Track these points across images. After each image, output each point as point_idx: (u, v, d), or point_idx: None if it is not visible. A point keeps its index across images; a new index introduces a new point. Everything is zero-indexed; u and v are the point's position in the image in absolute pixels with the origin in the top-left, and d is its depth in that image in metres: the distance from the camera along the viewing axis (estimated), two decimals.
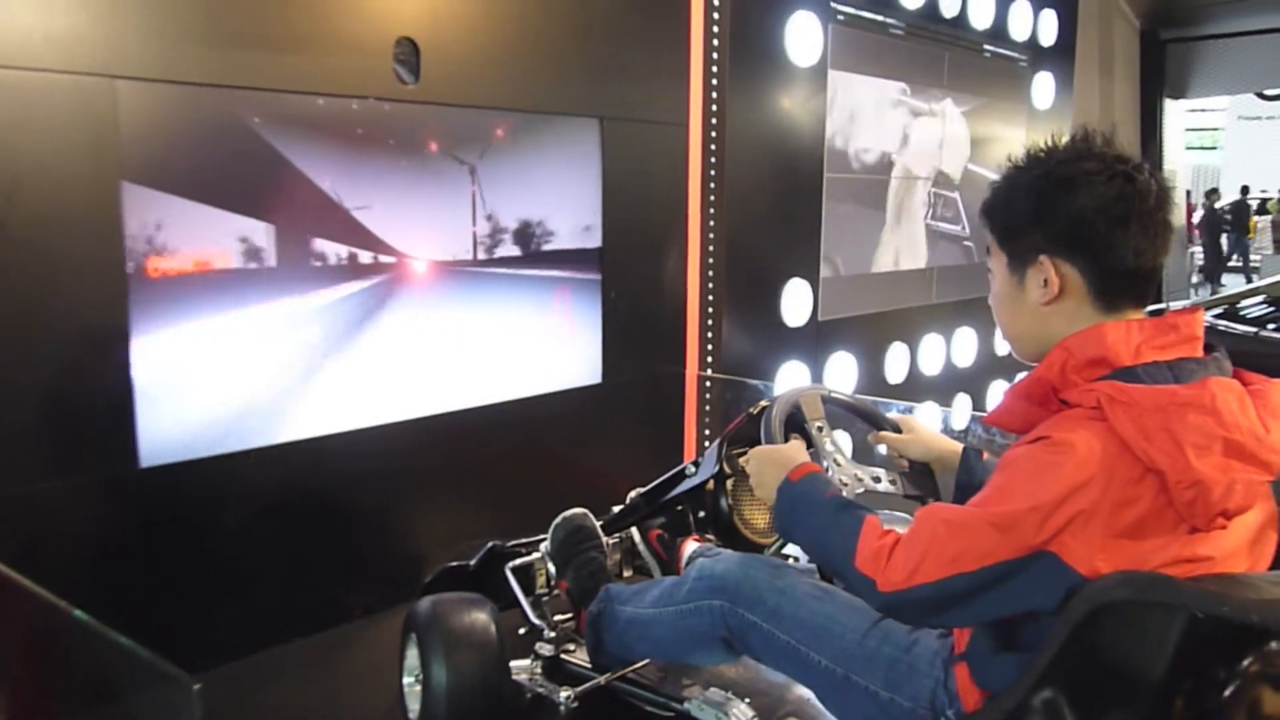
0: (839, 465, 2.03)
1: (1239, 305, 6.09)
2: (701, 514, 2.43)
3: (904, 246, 4.83)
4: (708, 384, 3.87)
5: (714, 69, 3.70)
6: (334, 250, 2.75)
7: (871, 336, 4.61)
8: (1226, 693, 1.35)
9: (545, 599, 2.48)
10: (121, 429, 2.42)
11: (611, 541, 2.59)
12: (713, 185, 3.75)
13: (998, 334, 1.77)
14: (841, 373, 4.41)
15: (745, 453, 2.01)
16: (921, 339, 4.99)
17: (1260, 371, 1.51)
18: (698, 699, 2.12)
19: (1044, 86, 5.76)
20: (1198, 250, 15.81)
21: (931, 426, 2.12)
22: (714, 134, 3.73)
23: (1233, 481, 1.37)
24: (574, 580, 2.42)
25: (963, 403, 5.25)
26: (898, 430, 2.11)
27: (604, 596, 2.23)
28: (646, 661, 2.23)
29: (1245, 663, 1.35)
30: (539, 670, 2.38)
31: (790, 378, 4.07)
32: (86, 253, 2.32)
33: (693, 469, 2.45)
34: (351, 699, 2.59)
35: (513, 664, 2.34)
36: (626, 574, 2.66)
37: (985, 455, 1.91)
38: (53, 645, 1.50)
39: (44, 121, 2.23)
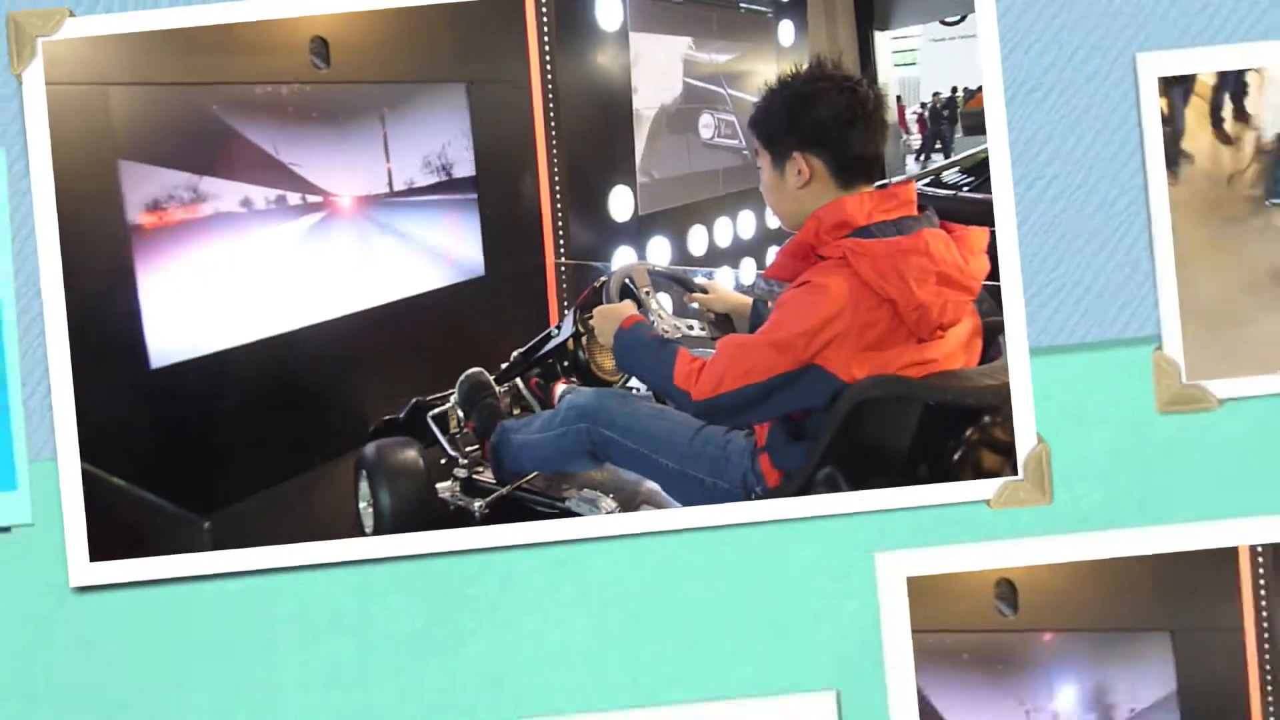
0: (662, 319, 2.06)
1: (941, 175, 6.28)
2: (565, 363, 2.46)
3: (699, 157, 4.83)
4: (562, 269, 3.85)
5: (545, 37, 3.60)
6: (281, 194, 2.68)
7: (679, 223, 4.63)
8: (955, 457, 1.42)
9: (458, 436, 2.49)
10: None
11: (502, 390, 2.60)
12: (553, 129, 3.68)
13: (768, 212, 1.81)
14: (659, 251, 4.43)
15: (592, 315, 2.04)
16: (715, 221, 5.01)
17: (959, 222, 1.57)
18: (575, 498, 2.12)
19: (786, 30, 5.70)
20: (912, 138, 16.14)
21: (728, 286, 2.18)
22: (550, 91, 3.65)
23: (945, 302, 1.43)
24: (478, 420, 2.42)
25: (749, 265, 5.33)
26: (705, 291, 2.15)
27: (500, 430, 2.24)
28: (535, 474, 2.24)
29: (967, 433, 1.43)
30: (458, 489, 2.38)
31: (622, 259, 4.07)
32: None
33: (556, 331, 2.45)
34: (325, 519, 2.56)
35: (438, 485, 2.33)
36: (516, 412, 2.67)
37: (769, 304, 1.96)
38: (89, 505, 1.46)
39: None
